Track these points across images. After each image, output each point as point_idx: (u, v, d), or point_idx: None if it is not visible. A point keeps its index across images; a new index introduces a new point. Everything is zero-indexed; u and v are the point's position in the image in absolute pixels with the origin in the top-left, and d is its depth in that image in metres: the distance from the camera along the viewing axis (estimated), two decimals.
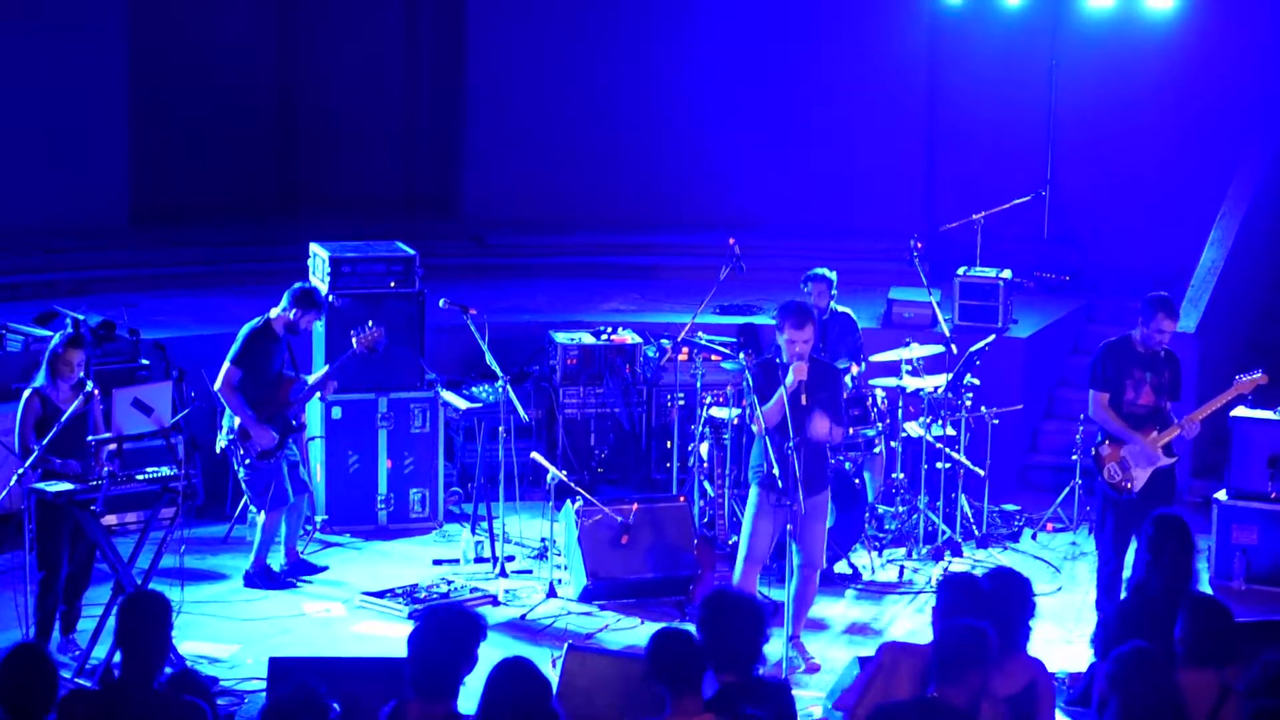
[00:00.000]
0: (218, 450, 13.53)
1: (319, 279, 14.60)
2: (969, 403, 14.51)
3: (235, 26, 20.36)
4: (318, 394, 14.01)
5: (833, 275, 14.64)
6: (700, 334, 14.95)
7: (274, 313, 13.36)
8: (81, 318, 14.77)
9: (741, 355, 13.91)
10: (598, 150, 20.36)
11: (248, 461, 13.20)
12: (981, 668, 7.57)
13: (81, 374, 11.98)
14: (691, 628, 7.90)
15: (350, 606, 13.04)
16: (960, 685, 7.53)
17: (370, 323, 13.76)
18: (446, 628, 7.46)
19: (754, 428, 11.71)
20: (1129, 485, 12.25)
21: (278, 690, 7.26)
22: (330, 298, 14.48)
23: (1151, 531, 9.56)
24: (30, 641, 7.57)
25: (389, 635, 12.41)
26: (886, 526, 14.40)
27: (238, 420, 13.18)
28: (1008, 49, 19.47)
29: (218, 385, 13.24)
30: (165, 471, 11.83)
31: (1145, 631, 8.32)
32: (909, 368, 14.48)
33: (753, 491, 11.87)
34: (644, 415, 15.92)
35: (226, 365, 13.22)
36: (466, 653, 7.42)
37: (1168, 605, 9.04)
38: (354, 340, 13.65)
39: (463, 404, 14.79)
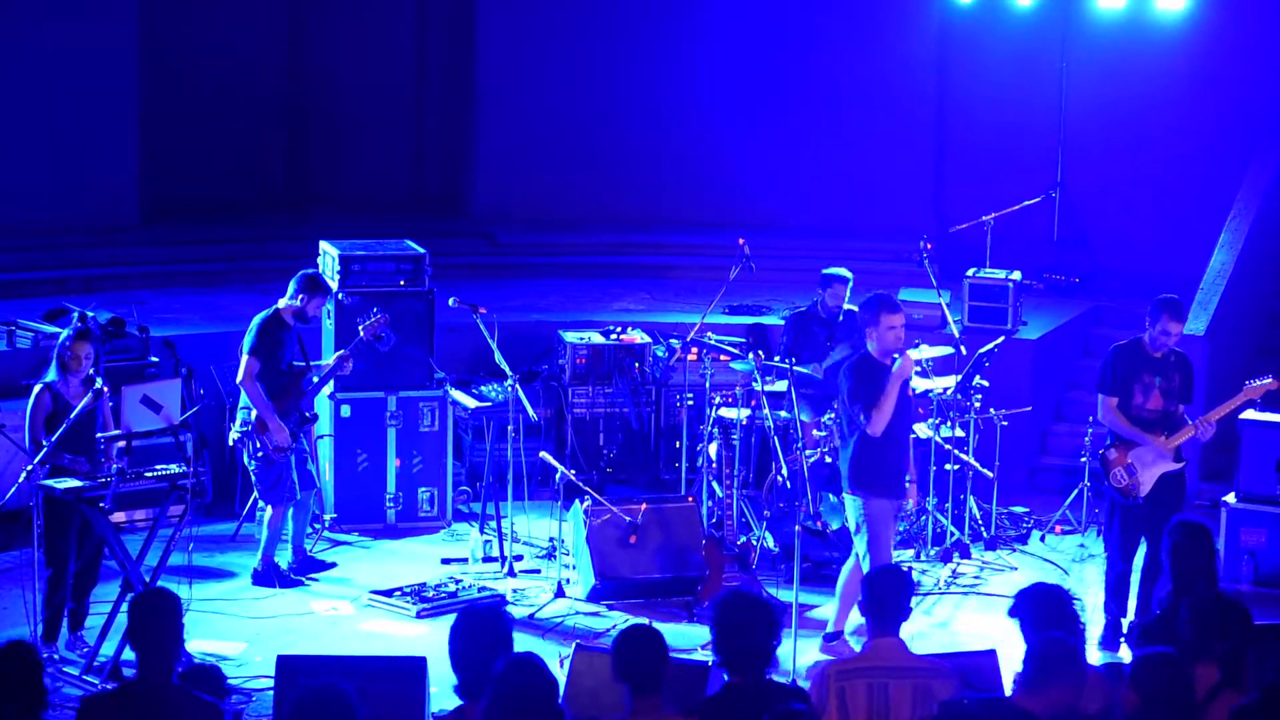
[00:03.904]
0: (230, 443, 13.54)
1: (329, 277, 14.61)
2: (978, 404, 14.49)
3: (246, 24, 20.36)
4: (330, 382, 14.03)
5: (850, 275, 14.67)
6: (709, 334, 14.95)
7: (282, 303, 13.38)
8: (90, 313, 14.78)
9: (750, 355, 13.91)
10: (608, 150, 20.36)
11: (260, 454, 13.20)
12: (1067, 683, 7.55)
13: (91, 370, 11.99)
14: (694, 629, 7.90)
15: (358, 605, 13.05)
16: (1042, 695, 7.52)
17: (375, 310, 13.78)
18: (485, 629, 7.51)
19: (870, 431, 11.46)
20: (1136, 489, 12.24)
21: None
22: (340, 296, 14.49)
23: (1174, 540, 9.53)
24: (18, 640, 7.53)
25: (397, 634, 12.43)
26: (895, 528, 14.38)
27: (254, 413, 13.18)
28: (1018, 50, 19.44)
29: (239, 377, 13.23)
30: (174, 469, 11.85)
31: (1171, 640, 8.32)
32: (918, 369, 14.43)
33: (865, 505, 11.62)
34: (653, 415, 15.92)
35: (245, 357, 13.22)
36: (505, 648, 7.46)
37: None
38: (360, 329, 13.69)
39: (472, 403, 14.80)
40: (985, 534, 14.55)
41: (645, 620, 12.65)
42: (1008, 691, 8.24)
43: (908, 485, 11.87)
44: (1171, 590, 9.54)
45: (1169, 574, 9.60)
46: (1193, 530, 9.59)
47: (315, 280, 13.48)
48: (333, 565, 13.77)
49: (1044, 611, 8.17)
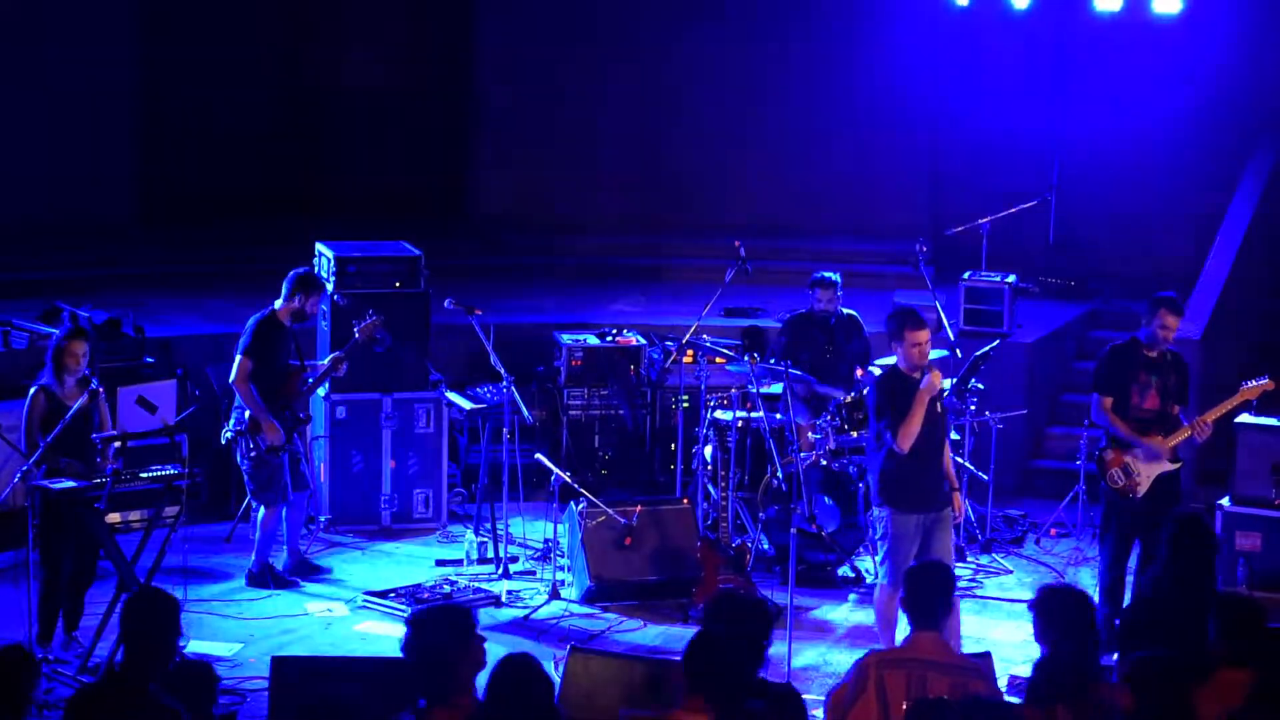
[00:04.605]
0: (222, 441, 13.54)
1: (325, 278, 14.60)
2: (973, 407, 14.50)
3: (244, 25, 20.35)
4: (325, 385, 14.02)
5: (838, 278, 14.67)
6: (705, 336, 14.95)
7: (278, 304, 13.37)
8: (85, 314, 14.79)
9: (747, 358, 13.91)
10: (604, 152, 20.36)
11: (253, 455, 13.18)
12: (1072, 709, 7.57)
13: (87, 371, 11.99)
14: (683, 630, 7.93)
15: (353, 606, 13.05)
16: (1044, 710, 7.57)
17: (371, 313, 13.77)
18: (436, 627, 7.48)
19: (898, 447, 11.29)
20: (1132, 490, 12.25)
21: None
22: (336, 297, 14.49)
23: (1171, 530, 9.54)
24: (16, 643, 7.54)
25: (391, 635, 12.42)
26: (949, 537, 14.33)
27: (247, 413, 13.17)
28: (1014, 50, 19.43)
29: (233, 377, 13.22)
30: (169, 470, 11.85)
31: (1160, 630, 8.33)
32: (916, 375, 14.43)
33: (889, 518, 11.45)
34: (648, 417, 15.91)
35: (239, 357, 13.20)
36: (464, 645, 7.41)
37: (1184, 604, 9.05)
38: (356, 331, 13.68)
39: (467, 404, 14.80)
40: (980, 537, 14.55)
41: (639, 623, 12.71)
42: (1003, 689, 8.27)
43: (953, 494, 11.72)
44: (1161, 579, 9.52)
45: (1165, 564, 9.58)
46: (1190, 522, 9.59)
47: (309, 278, 13.46)
48: (328, 571, 13.75)
49: (1061, 612, 8.20)
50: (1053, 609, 8.23)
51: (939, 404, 11.47)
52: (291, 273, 13.47)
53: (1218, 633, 8.23)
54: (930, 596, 8.40)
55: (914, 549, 11.42)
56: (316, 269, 14.81)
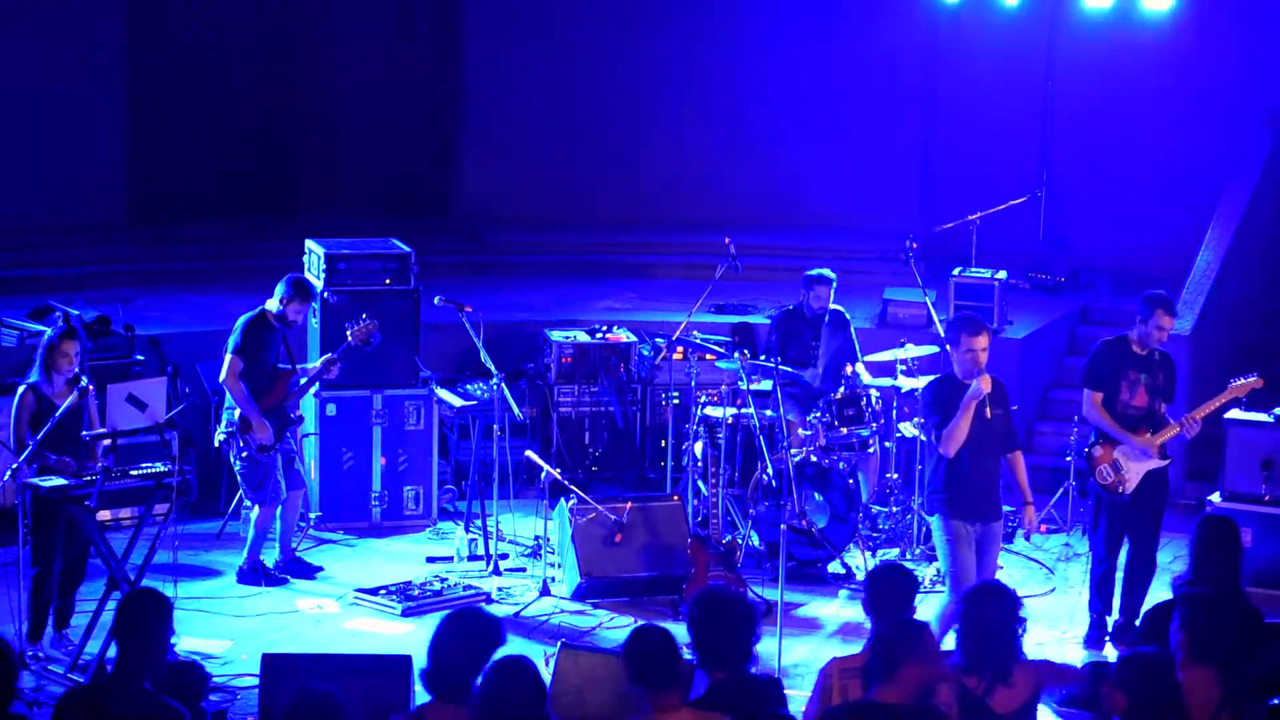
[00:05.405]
0: (216, 444, 13.54)
1: (314, 276, 14.61)
2: None
3: (233, 22, 20.33)
4: (316, 385, 14.02)
5: (834, 276, 14.69)
6: (695, 333, 14.95)
7: (269, 304, 13.37)
8: (75, 312, 14.78)
9: (737, 355, 13.92)
10: (593, 149, 20.35)
11: (245, 454, 13.19)
12: (918, 665, 7.54)
13: (76, 369, 11.98)
14: (680, 627, 7.93)
15: (343, 603, 13.05)
16: (897, 683, 7.51)
17: (364, 315, 13.77)
18: (467, 630, 7.51)
19: (942, 451, 11.25)
20: (1121, 486, 12.26)
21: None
22: (326, 295, 14.49)
23: (1200, 532, 9.53)
24: None
25: (382, 632, 12.43)
26: (880, 526, 14.40)
27: (238, 412, 13.17)
28: (1004, 48, 19.45)
29: (223, 376, 13.23)
30: (159, 467, 11.85)
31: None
32: (904, 368, 14.48)
33: (940, 523, 11.36)
34: (639, 414, 15.92)
35: (229, 356, 13.21)
36: (484, 657, 7.44)
37: None
38: (349, 334, 13.66)
39: (457, 401, 14.80)
40: None
41: (629, 619, 12.72)
42: None
43: (1026, 507, 11.62)
44: (1190, 581, 9.50)
45: (1191, 565, 9.57)
46: (1218, 525, 9.57)
47: (301, 284, 13.44)
48: (319, 569, 13.74)
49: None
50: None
51: (988, 409, 11.28)
52: (287, 276, 13.46)
53: (1186, 629, 8.15)
54: (890, 600, 8.37)
55: (973, 556, 11.29)
56: (306, 266, 14.82)
